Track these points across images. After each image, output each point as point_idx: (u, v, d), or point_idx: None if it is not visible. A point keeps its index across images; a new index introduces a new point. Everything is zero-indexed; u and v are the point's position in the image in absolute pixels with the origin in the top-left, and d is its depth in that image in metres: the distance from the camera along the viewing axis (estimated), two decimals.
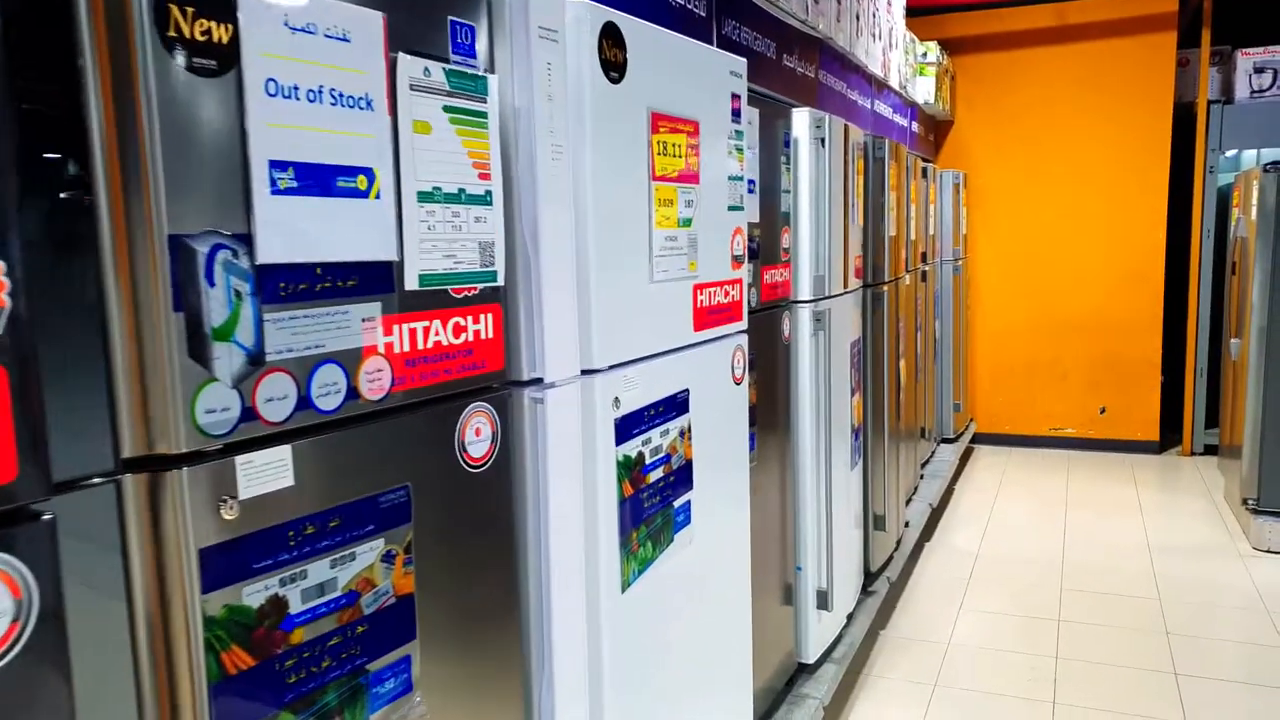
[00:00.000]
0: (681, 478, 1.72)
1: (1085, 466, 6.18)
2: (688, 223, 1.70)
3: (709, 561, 1.87)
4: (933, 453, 5.75)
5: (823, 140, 2.78)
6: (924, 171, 5.19)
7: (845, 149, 3.13)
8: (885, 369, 3.68)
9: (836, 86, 4.01)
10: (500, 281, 1.28)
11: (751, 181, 2.25)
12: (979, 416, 6.89)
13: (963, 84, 6.72)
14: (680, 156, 1.66)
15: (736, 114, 1.89)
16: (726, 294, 1.89)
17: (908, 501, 4.75)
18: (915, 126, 5.96)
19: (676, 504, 1.70)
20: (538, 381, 1.33)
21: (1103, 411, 6.55)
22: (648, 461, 1.59)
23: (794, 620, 2.86)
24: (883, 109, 5.01)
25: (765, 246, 2.48)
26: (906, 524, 4.38)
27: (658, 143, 1.59)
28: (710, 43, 2.56)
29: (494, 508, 1.29)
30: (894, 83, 5.08)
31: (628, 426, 1.53)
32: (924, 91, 5.79)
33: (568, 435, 1.38)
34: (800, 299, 2.80)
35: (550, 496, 1.34)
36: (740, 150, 1.92)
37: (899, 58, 5.24)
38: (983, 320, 6.84)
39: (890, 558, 3.91)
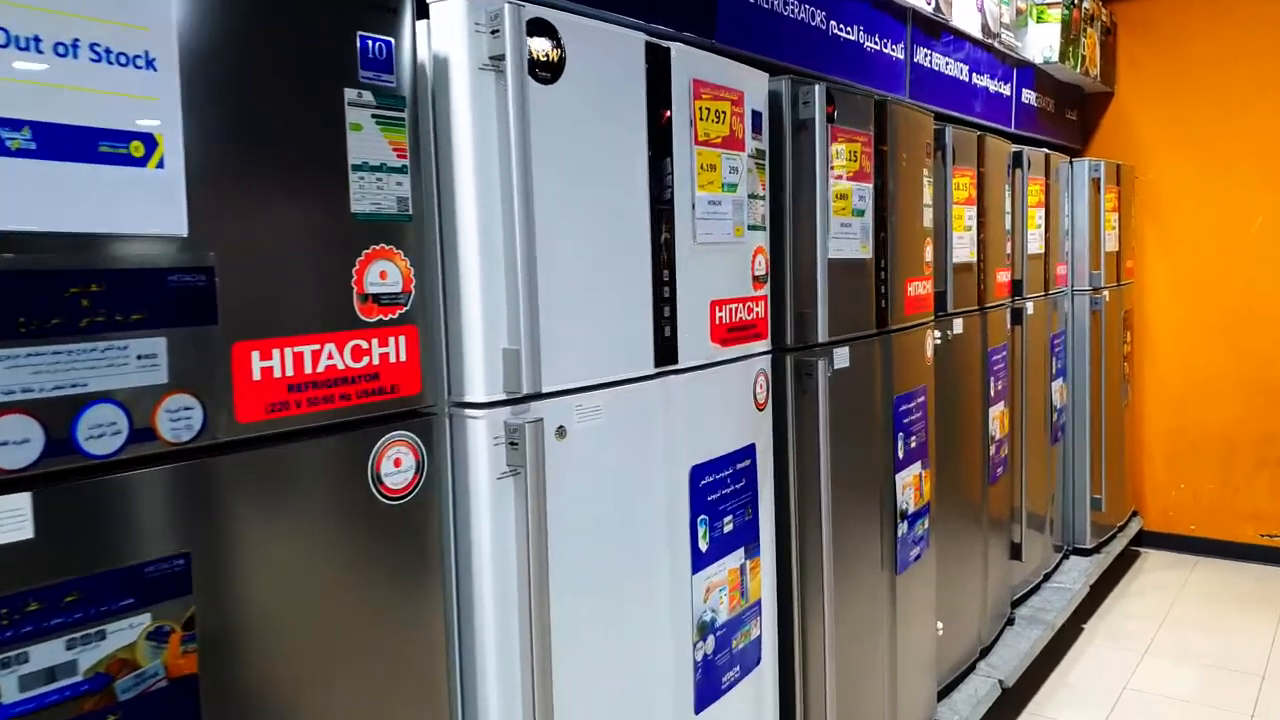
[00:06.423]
0: None
1: None
2: None
3: None
4: (1046, 575, 3.88)
5: (502, 59, 1.28)
6: (1016, 158, 3.41)
7: (657, 91, 1.60)
8: (824, 498, 2.06)
9: (796, 14, 2.42)
10: None
11: (128, 138, 0.84)
12: (1147, 510, 4.83)
13: (1127, 39, 4.75)
14: None
15: None
16: None
17: (963, 674, 3.00)
18: (1031, 97, 4.12)
19: None
20: None
21: None
22: None
23: None
24: (944, 65, 3.30)
25: (276, 296, 1.05)
26: None
27: None
28: None
29: None
30: (966, 26, 3.35)
31: None
32: (1041, 45, 3.96)
33: None
34: (467, 400, 1.31)
35: None
36: None
37: None
38: (1154, 375, 4.79)
39: None
